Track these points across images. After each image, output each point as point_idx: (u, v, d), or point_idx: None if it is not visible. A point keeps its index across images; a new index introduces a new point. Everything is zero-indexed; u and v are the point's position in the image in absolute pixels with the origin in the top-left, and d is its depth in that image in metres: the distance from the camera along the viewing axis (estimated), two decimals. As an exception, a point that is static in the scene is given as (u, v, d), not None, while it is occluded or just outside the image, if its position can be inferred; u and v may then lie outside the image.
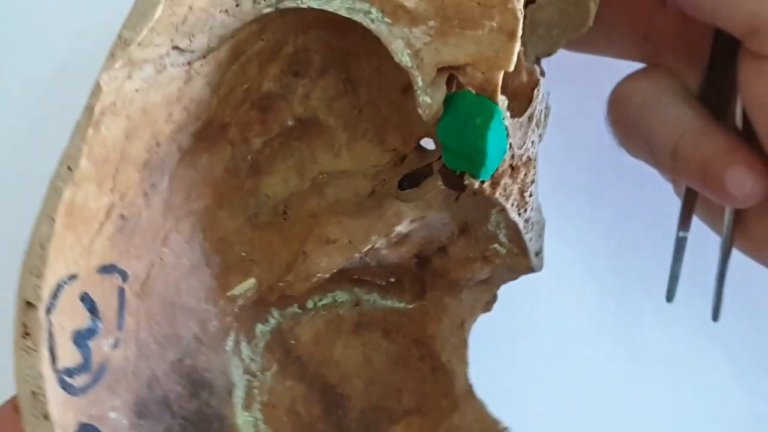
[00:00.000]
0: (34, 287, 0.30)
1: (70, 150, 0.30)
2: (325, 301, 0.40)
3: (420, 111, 0.33)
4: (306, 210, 0.38)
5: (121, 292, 0.34)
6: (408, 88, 0.36)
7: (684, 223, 0.40)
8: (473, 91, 0.32)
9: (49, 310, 0.30)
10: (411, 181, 0.37)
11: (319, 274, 0.37)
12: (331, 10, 0.33)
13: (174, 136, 0.34)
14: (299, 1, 0.32)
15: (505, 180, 0.34)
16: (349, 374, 0.41)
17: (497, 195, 0.34)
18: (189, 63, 0.32)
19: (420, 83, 0.33)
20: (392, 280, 0.39)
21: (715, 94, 0.37)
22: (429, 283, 0.39)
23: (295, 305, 0.40)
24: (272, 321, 0.39)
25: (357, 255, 0.36)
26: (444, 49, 0.32)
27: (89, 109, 0.30)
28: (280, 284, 0.37)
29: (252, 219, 0.38)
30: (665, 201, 0.41)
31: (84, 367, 0.32)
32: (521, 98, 0.34)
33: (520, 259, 0.37)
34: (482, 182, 0.33)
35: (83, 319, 0.32)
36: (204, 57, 0.33)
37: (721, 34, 0.35)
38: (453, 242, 0.37)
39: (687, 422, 0.45)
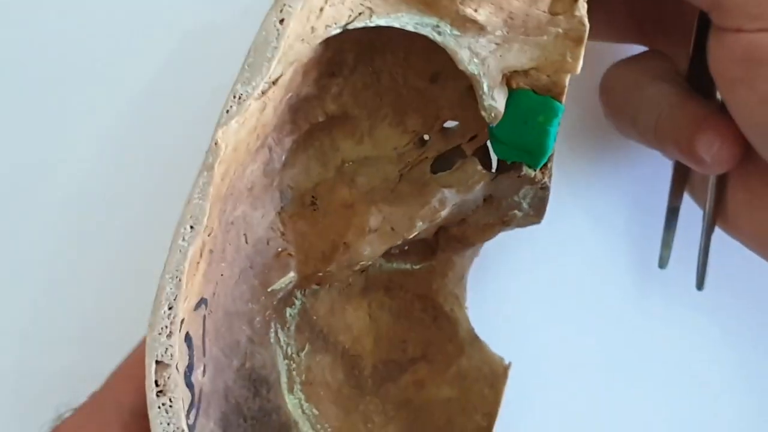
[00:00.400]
0: (165, 347, 0.30)
1: (193, 208, 0.30)
2: None
3: (484, 114, 0.35)
4: (338, 200, 0.39)
5: (204, 318, 0.34)
6: (437, 76, 0.37)
7: (675, 194, 0.43)
8: (534, 91, 0.35)
9: (177, 365, 0.30)
10: (441, 163, 0.39)
11: (362, 263, 0.38)
12: (398, 26, 0.33)
13: (244, 161, 0.33)
14: (368, 21, 0.33)
15: (549, 163, 0.37)
16: (359, 335, 0.43)
17: (545, 177, 0.37)
18: (263, 92, 0.32)
19: (485, 89, 0.34)
20: (406, 248, 0.41)
21: (700, 73, 0.39)
22: (442, 245, 0.41)
23: (314, 283, 0.41)
24: (297, 303, 0.40)
25: (401, 241, 0.38)
26: (508, 55, 0.34)
27: (209, 168, 0.30)
28: (319, 274, 0.38)
29: (281, 213, 0.38)
30: (663, 168, 0.44)
31: (192, 404, 0.33)
32: None
33: (533, 219, 0.40)
34: (536, 170, 0.36)
35: (186, 358, 0.32)
36: (275, 83, 0.32)
37: (703, 14, 0.38)
38: (474, 212, 0.40)
39: (675, 385, 0.47)
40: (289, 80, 0.34)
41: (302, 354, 0.40)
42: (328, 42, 0.35)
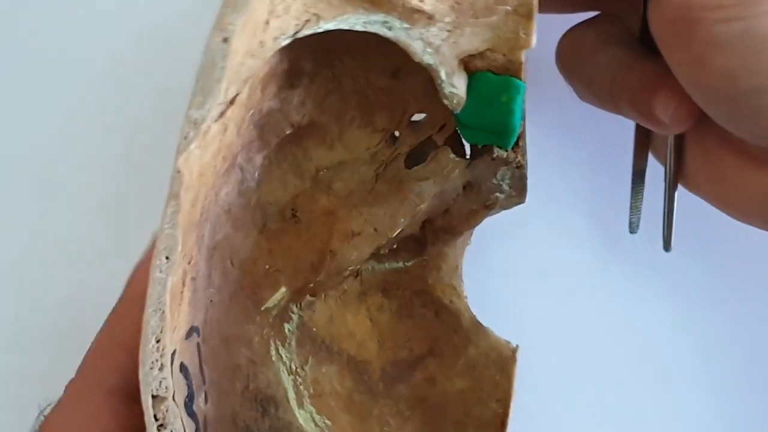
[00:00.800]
0: (159, 380, 0.30)
1: (166, 239, 0.29)
2: None
3: (447, 102, 0.34)
4: (319, 209, 0.38)
5: (198, 347, 0.34)
6: (398, 72, 0.37)
7: (639, 157, 0.43)
8: (493, 72, 0.34)
9: (174, 396, 0.30)
10: (414, 157, 0.39)
11: (350, 268, 0.38)
12: (346, 28, 0.33)
13: (214, 184, 0.33)
14: (316, 27, 0.32)
15: (521, 142, 0.37)
16: (363, 340, 0.43)
17: (518, 156, 0.36)
18: (222, 113, 0.32)
19: (444, 77, 0.34)
20: (395, 246, 0.41)
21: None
22: (430, 239, 0.41)
23: (307, 295, 0.41)
24: (294, 317, 0.40)
25: (386, 240, 0.38)
26: (461, 40, 0.34)
27: (175, 196, 0.29)
28: (311, 285, 0.38)
29: (263, 230, 0.38)
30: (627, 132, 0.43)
31: (198, 432, 0.33)
32: None
33: (516, 199, 0.40)
34: (508, 150, 0.36)
35: (185, 388, 0.32)
36: (233, 103, 0.32)
37: None
38: (456, 201, 0.40)
39: (649, 351, 0.48)
40: (247, 98, 0.34)
41: (307, 367, 0.40)
42: (283, 54, 0.35)
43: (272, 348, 0.39)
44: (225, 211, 0.36)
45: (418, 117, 0.39)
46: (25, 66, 0.48)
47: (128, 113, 0.47)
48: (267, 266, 0.38)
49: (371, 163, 0.39)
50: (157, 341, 0.30)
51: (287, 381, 0.39)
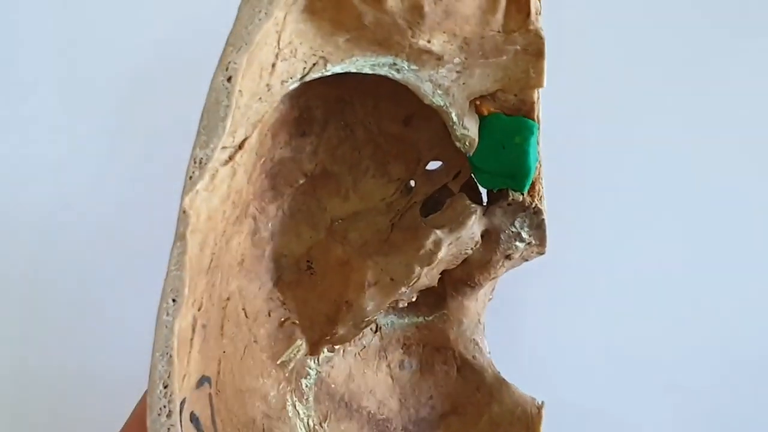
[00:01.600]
0: (167, 427, 0.29)
1: (172, 281, 0.29)
2: None
3: (459, 144, 0.34)
4: (333, 259, 0.38)
5: (210, 397, 0.33)
6: (410, 119, 0.37)
7: None
8: (504, 114, 0.34)
9: None
10: (430, 205, 0.38)
11: (367, 319, 0.37)
12: (354, 71, 0.33)
13: (225, 231, 0.33)
14: (324, 71, 0.32)
15: (538, 185, 0.36)
16: (383, 398, 0.42)
17: (535, 201, 0.36)
18: (231, 158, 0.32)
19: (455, 119, 0.34)
20: (414, 299, 0.40)
21: None
22: (450, 292, 0.40)
23: (325, 350, 0.40)
24: (312, 372, 0.39)
25: (403, 289, 0.37)
26: (471, 81, 0.34)
27: (181, 237, 0.29)
28: (327, 338, 0.37)
29: (278, 282, 0.38)
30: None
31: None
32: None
33: (537, 248, 0.39)
34: (524, 194, 0.35)
35: None
36: (242, 147, 0.32)
37: None
38: (475, 250, 0.39)
39: None
40: (257, 144, 0.33)
41: (325, 425, 0.39)
42: (293, 101, 0.35)
43: (289, 403, 0.38)
44: (238, 262, 0.35)
45: (432, 165, 0.39)
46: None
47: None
48: (282, 318, 0.37)
49: (386, 213, 0.38)
50: (165, 386, 0.29)
51: None
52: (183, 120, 0.32)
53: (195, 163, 0.29)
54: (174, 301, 0.29)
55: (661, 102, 0.50)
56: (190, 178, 0.29)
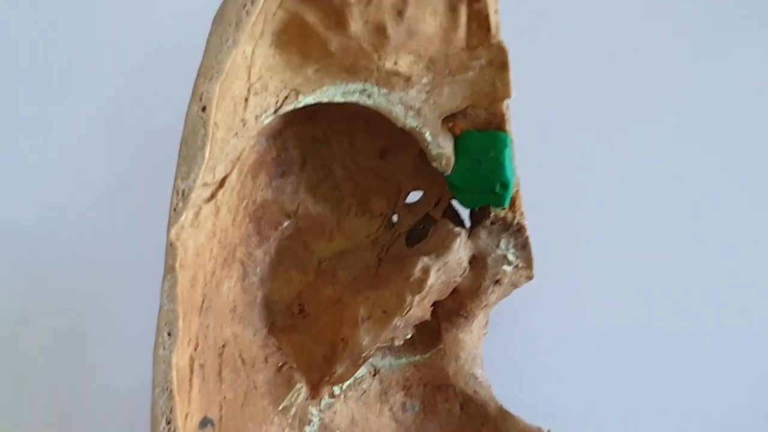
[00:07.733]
0: None
1: (165, 314, 0.29)
2: (348, 382, 0.40)
3: (435, 164, 0.34)
4: (325, 300, 0.38)
5: None
6: (386, 152, 0.37)
7: None
8: (477, 130, 0.35)
9: None
10: (415, 235, 0.38)
11: (364, 354, 0.37)
12: (326, 100, 0.33)
13: (213, 271, 0.33)
14: (296, 103, 0.33)
15: (518, 201, 0.36)
16: None
17: (517, 217, 0.36)
18: (213, 195, 0.32)
19: (429, 138, 0.34)
20: (408, 335, 0.40)
21: None
22: (444, 325, 0.40)
23: (326, 396, 0.39)
24: (315, 419, 0.39)
25: (396, 320, 0.37)
26: (441, 99, 0.34)
27: (170, 269, 0.29)
28: (326, 378, 0.37)
29: (272, 328, 0.38)
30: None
31: None
32: None
33: (525, 272, 0.39)
34: (504, 209, 0.36)
35: None
36: (222, 185, 0.32)
37: None
38: (464, 277, 0.39)
39: None
40: (239, 185, 0.34)
41: None
42: (269, 141, 0.36)
43: None
44: (230, 309, 0.35)
45: (414, 196, 0.39)
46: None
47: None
48: (279, 364, 0.37)
49: (373, 249, 0.39)
50: (168, 422, 0.29)
51: None
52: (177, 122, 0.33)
53: (178, 194, 0.29)
54: (169, 335, 0.29)
55: (658, 105, 0.50)
56: (175, 209, 0.29)
